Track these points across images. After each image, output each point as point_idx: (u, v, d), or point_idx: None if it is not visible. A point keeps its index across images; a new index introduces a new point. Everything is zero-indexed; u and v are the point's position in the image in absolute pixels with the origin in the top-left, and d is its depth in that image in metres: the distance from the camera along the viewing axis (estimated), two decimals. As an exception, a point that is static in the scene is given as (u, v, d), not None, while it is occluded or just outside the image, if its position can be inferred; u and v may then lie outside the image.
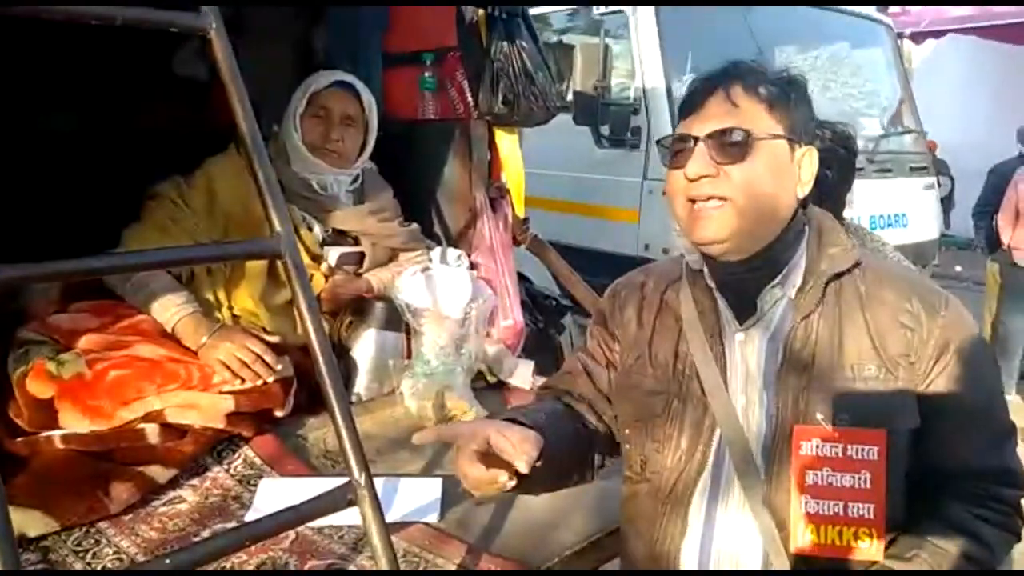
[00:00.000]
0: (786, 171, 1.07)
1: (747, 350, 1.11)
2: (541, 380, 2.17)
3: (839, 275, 1.09)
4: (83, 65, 2.17)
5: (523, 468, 1.00)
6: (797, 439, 1.05)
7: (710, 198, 1.05)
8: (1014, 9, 7.88)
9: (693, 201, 1.07)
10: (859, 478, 1.03)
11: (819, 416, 1.04)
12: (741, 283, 1.11)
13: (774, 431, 1.07)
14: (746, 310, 1.11)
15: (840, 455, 1.04)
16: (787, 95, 1.08)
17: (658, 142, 1.16)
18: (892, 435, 1.03)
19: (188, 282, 1.87)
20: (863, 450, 1.03)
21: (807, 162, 1.09)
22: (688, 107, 1.11)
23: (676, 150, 1.09)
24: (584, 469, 1.27)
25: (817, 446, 1.04)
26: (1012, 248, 4.59)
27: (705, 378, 1.12)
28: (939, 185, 5.17)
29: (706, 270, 1.15)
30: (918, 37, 8.93)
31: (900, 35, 5.71)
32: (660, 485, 1.15)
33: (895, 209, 4.44)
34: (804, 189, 1.09)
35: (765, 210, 1.06)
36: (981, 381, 1.09)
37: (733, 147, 1.04)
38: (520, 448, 1.01)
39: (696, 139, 1.06)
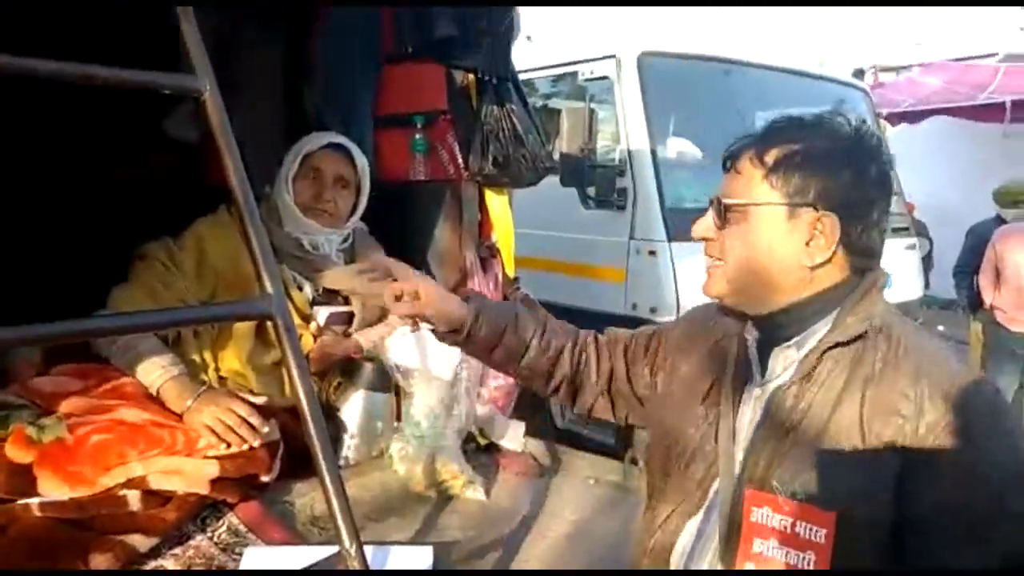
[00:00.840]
0: (783, 237, 1.07)
1: (757, 406, 1.12)
2: (533, 442, 2.15)
3: (842, 344, 1.05)
4: (71, 122, 2.18)
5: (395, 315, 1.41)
6: (749, 504, 1.05)
7: (714, 257, 1.14)
8: (981, 92, 8.32)
9: (710, 257, 1.16)
10: (803, 557, 0.99)
11: (775, 483, 1.03)
12: (770, 340, 1.13)
13: (738, 489, 1.08)
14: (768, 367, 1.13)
15: (788, 529, 1.01)
16: (804, 161, 1.06)
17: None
18: (851, 523, 0.97)
19: (175, 343, 1.84)
20: (811, 529, 0.99)
21: (824, 227, 1.05)
22: (723, 168, 1.17)
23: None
24: (513, 363, 1.41)
25: (767, 515, 1.03)
26: (994, 308, 4.63)
27: (722, 428, 1.14)
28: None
29: (748, 323, 1.16)
30: (893, 119, 9.25)
31: (877, 115, 5.84)
32: (659, 515, 1.19)
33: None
34: (815, 255, 1.06)
35: (758, 274, 1.09)
36: (990, 491, 0.95)
37: (722, 215, 1.11)
38: (414, 306, 1.33)
39: (711, 202, 1.14)
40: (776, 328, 1.11)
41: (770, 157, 1.07)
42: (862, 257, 1.09)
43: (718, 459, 1.13)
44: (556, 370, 1.40)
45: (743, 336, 1.17)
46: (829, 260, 1.07)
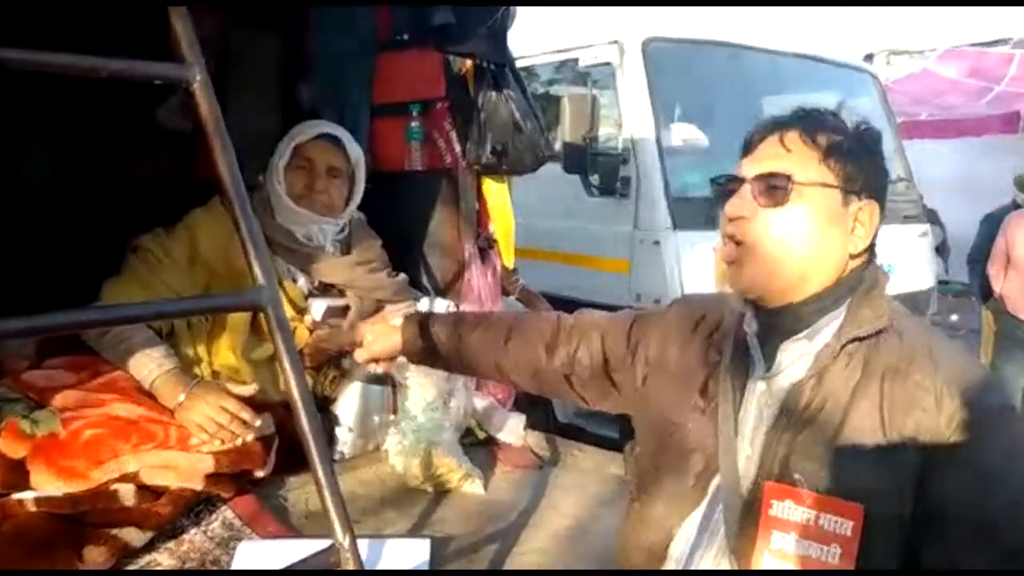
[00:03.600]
0: (835, 221, 1.05)
1: (764, 400, 1.09)
2: (533, 434, 2.13)
3: (861, 339, 1.04)
4: (65, 115, 2.16)
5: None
6: (768, 496, 1.02)
7: (738, 241, 1.07)
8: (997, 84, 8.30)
9: (735, 242, 1.08)
10: (827, 551, 0.97)
11: (797, 476, 1.01)
12: (775, 332, 1.10)
13: (755, 483, 1.05)
14: (775, 360, 1.10)
15: (811, 522, 0.98)
16: (851, 147, 1.05)
17: (712, 180, 1.15)
18: (877, 516, 0.96)
19: (168, 336, 1.82)
20: (836, 522, 0.97)
21: (865, 217, 1.06)
22: (745, 148, 1.11)
23: (728, 190, 1.10)
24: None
25: (788, 508, 1.00)
26: (1003, 296, 4.58)
27: (721, 421, 1.11)
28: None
29: (748, 315, 1.14)
30: (907, 128, 9.14)
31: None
32: (651, 510, 1.16)
33: (888, 258, 4.43)
34: (857, 244, 1.06)
35: (798, 259, 1.05)
36: (1008, 486, 0.95)
37: (776, 190, 1.04)
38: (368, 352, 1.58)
39: (744, 180, 1.07)
40: (785, 320, 1.08)
41: (823, 140, 1.05)
42: (874, 246, 1.10)
43: (718, 453, 1.10)
44: (520, 365, 1.44)
45: (741, 328, 1.14)
46: (866, 249, 1.07)
